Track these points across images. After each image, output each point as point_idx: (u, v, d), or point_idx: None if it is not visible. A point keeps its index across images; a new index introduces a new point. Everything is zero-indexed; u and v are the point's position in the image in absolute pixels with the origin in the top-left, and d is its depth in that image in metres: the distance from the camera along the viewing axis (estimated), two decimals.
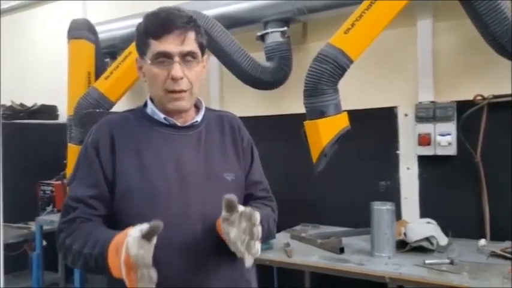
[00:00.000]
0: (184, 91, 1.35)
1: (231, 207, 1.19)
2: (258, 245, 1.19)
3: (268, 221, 1.45)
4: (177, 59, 1.32)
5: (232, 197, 1.18)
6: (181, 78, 1.33)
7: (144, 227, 1.10)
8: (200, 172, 1.38)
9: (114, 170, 1.35)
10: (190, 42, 1.35)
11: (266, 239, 1.57)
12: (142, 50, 1.38)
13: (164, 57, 1.33)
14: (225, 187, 1.37)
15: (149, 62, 1.35)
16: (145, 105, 1.48)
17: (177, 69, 1.32)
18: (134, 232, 1.10)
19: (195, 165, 1.39)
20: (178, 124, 1.42)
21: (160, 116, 1.41)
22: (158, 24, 1.33)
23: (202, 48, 1.40)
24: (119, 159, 1.36)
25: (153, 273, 1.06)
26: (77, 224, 1.32)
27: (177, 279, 1.31)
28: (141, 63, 1.41)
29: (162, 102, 1.39)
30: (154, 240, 1.10)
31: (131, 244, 1.07)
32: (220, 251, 1.30)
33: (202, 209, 1.34)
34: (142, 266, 1.05)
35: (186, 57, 1.34)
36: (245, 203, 1.44)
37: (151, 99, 1.45)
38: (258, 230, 1.18)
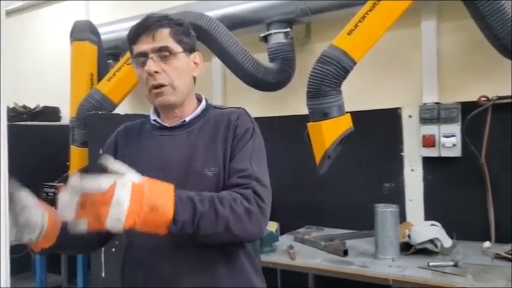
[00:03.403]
0: (164, 85, 1.39)
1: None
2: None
3: (213, 206, 1.22)
4: (150, 55, 1.37)
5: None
6: (156, 72, 1.37)
7: None
8: (181, 171, 1.38)
9: None
10: (163, 38, 1.39)
11: (224, 228, 1.22)
12: (132, 57, 1.46)
13: (142, 57, 1.39)
14: (204, 183, 1.34)
15: (135, 66, 1.43)
16: None
17: (149, 65, 1.36)
18: None
19: (176, 164, 1.39)
20: (167, 125, 1.46)
21: (152, 118, 1.49)
22: (134, 30, 1.42)
23: (183, 44, 1.42)
24: None
25: None
26: None
27: (154, 276, 1.34)
28: None
29: (150, 100, 1.45)
30: (19, 203, 1.18)
31: None
32: (200, 248, 1.29)
33: None
34: None
35: (161, 52, 1.38)
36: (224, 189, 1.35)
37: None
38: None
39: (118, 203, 1.07)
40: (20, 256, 3.90)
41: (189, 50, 1.45)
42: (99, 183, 1.07)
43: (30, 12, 5.41)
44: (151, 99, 1.43)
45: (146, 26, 1.39)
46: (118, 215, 1.07)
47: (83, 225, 1.07)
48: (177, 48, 1.40)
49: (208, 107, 1.52)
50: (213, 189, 1.33)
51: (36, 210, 1.22)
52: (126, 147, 1.49)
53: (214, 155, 1.39)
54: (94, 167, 3.10)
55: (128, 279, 1.42)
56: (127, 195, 1.08)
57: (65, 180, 3.82)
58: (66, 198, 1.07)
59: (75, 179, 1.06)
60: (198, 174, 1.37)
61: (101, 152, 1.54)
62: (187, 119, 1.46)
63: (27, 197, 1.20)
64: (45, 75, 5.05)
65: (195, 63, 1.48)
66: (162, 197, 1.16)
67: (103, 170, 1.11)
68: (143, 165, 1.38)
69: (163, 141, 1.44)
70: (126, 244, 1.45)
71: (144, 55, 1.38)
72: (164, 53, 1.38)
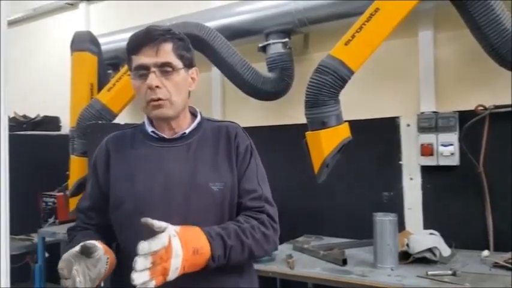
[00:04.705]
0: (163, 100, 1.40)
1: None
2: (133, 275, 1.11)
3: (239, 238, 1.33)
4: (152, 69, 1.38)
5: (147, 220, 1.18)
6: (157, 87, 1.38)
7: (85, 243, 1.22)
8: (184, 183, 1.41)
9: (109, 183, 1.46)
10: (165, 53, 1.40)
11: (248, 255, 1.37)
12: (129, 68, 1.46)
13: (142, 70, 1.40)
14: (210, 197, 1.41)
15: (133, 76, 1.43)
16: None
17: (151, 79, 1.37)
18: (75, 248, 1.23)
19: (180, 176, 1.41)
20: (166, 137, 1.48)
21: (149, 129, 1.49)
22: (135, 40, 1.42)
23: (184, 60, 1.44)
24: (112, 173, 1.47)
25: (69, 284, 1.19)
26: (76, 231, 1.50)
27: None
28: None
29: (146, 112, 1.47)
30: (96, 255, 1.23)
31: (62, 258, 1.22)
32: None
33: (184, 219, 1.33)
34: (61, 277, 1.19)
35: (163, 67, 1.40)
36: (238, 211, 1.46)
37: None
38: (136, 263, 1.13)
39: (177, 254, 1.16)
40: (20, 265, 3.93)
41: (188, 65, 1.47)
42: (162, 240, 1.14)
43: (30, 23, 5.44)
44: (148, 111, 1.44)
45: (150, 39, 1.39)
46: (177, 265, 1.16)
47: (151, 284, 1.12)
48: (178, 64, 1.42)
49: (203, 119, 1.55)
50: (218, 204, 1.42)
51: (105, 258, 1.29)
52: (118, 153, 1.50)
53: (218, 170, 1.45)
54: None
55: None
56: (179, 245, 1.17)
57: (64, 189, 3.82)
58: (142, 264, 1.11)
59: (143, 245, 1.11)
60: (203, 188, 1.41)
61: (92, 161, 1.55)
62: (187, 131, 1.48)
63: (101, 248, 1.27)
64: (46, 85, 5.06)
65: (192, 78, 1.50)
66: (198, 239, 1.25)
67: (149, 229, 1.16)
68: (143, 175, 1.42)
69: (163, 152, 1.46)
70: (123, 249, 1.45)
71: (146, 68, 1.39)
72: (166, 69, 1.40)
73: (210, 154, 1.47)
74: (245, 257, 1.36)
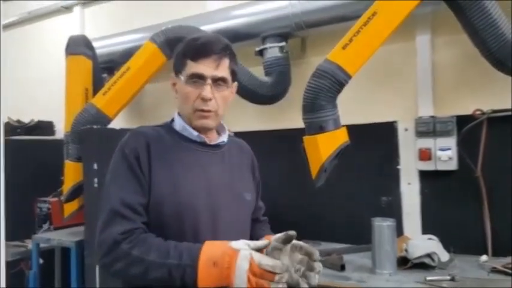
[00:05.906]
0: (212, 111, 1.44)
1: (289, 241, 1.23)
2: (317, 277, 1.27)
3: None
4: (209, 81, 1.42)
5: (294, 233, 1.23)
6: (210, 99, 1.42)
7: (259, 243, 1.24)
8: (225, 188, 1.48)
9: (150, 180, 1.41)
10: (224, 68, 1.45)
11: None
12: (178, 69, 1.48)
13: (198, 78, 1.43)
14: (246, 205, 1.54)
15: (183, 80, 1.45)
16: (171, 121, 1.56)
17: (208, 91, 1.42)
18: (248, 245, 1.23)
19: (221, 181, 1.48)
20: (208, 142, 1.51)
21: (193, 133, 1.49)
22: (197, 48, 1.44)
23: (233, 75, 1.51)
24: (153, 170, 1.41)
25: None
26: (137, 234, 1.34)
27: None
28: (174, 81, 1.51)
29: (190, 119, 1.48)
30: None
31: (259, 256, 1.20)
32: None
33: (229, 226, 1.43)
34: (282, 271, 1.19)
35: (218, 81, 1.44)
36: (252, 224, 1.60)
37: (180, 117, 1.54)
38: (319, 265, 1.27)
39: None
40: (14, 272, 3.88)
41: (233, 79, 1.53)
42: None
43: (24, 27, 5.40)
44: (193, 118, 1.46)
45: (212, 51, 1.43)
46: None
47: None
48: (230, 79, 1.48)
49: None
50: (250, 213, 1.57)
51: None
52: (158, 150, 1.44)
53: (246, 181, 1.59)
54: (88, 182, 3.06)
55: None
56: None
57: (58, 195, 3.78)
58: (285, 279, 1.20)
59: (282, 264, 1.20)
60: (241, 197, 1.52)
61: (130, 152, 1.41)
62: (225, 139, 1.56)
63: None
64: (40, 88, 5.03)
65: (231, 92, 1.54)
66: None
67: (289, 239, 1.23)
68: (188, 178, 1.44)
69: (203, 156, 1.49)
70: None
71: (202, 78, 1.42)
72: (220, 83, 1.45)
73: (238, 166, 1.57)
74: None
